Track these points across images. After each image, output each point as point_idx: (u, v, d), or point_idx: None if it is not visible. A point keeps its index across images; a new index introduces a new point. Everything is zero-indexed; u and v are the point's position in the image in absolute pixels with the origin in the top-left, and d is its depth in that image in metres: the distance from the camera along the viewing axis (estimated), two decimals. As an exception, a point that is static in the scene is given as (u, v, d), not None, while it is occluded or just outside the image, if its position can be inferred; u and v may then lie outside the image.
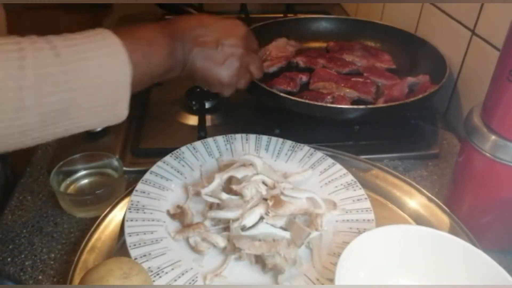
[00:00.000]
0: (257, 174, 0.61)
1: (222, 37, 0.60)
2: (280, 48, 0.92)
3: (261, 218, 0.57)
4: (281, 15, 1.21)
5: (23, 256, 0.57)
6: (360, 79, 0.84)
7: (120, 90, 0.48)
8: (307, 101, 0.71)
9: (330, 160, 0.68)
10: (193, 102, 0.84)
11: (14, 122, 0.42)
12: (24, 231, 0.61)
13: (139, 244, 0.54)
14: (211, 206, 0.60)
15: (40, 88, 0.42)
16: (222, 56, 0.60)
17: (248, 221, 0.56)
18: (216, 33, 0.60)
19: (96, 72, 0.45)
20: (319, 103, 0.73)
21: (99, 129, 0.75)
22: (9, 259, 0.57)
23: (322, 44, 0.98)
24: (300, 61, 0.90)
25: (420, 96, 0.71)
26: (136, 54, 0.49)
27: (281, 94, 0.72)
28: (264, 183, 0.61)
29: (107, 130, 0.76)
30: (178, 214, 0.59)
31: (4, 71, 0.40)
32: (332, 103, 0.76)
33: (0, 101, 0.40)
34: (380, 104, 0.76)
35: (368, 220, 0.59)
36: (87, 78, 0.45)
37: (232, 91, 0.65)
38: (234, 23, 0.64)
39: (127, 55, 0.47)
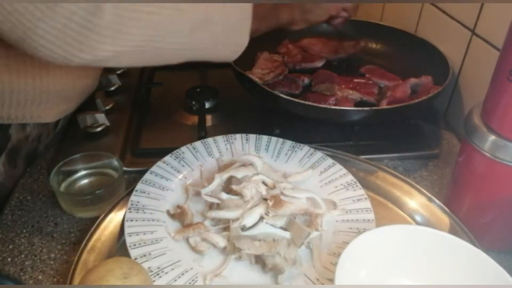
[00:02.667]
0: (257, 174, 0.61)
1: None
2: (269, 59, 0.91)
3: (261, 218, 0.57)
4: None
5: (23, 256, 0.57)
6: (362, 80, 0.84)
7: (244, 13, 0.58)
8: (311, 103, 0.71)
9: (330, 160, 0.68)
10: (193, 102, 0.84)
11: (173, 19, 0.51)
12: (24, 231, 0.61)
13: (139, 244, 0.54)
14: (211, 206, 0.60)
15: (188, 4, 0.51)
16: None
17: (248, 221, 0.56)
18: None
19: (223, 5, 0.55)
20: (323, 105, 0.73)
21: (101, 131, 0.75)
22: (9, 259, 0.57)
23: (322, 44, 0.97)
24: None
25: (425, 97, 0.71)
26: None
27: (284, 97, 0.72)
28: (264, 183, 0.61)
29: (107, 130, 0.76)
30: (178, 214, 0.59)
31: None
32: (335, 105, 0.76)
33: (161, 8, 0.49)
34: (384, 106, 0.76)
35: (368, 220, 0.59)
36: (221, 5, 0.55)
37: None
38: None
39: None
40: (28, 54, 0.48)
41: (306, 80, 0.85)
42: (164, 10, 0.49)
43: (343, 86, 0.82)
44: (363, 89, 0.81)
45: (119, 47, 0.49)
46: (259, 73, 0.85)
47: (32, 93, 0.63)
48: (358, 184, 0.64)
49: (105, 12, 0.45)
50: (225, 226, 0.57)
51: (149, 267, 0.51)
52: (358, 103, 0.79)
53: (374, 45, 0.97)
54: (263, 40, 0.75)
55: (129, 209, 0.58)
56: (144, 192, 0.61)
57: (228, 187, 0.61)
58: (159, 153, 0.68)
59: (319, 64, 0.92)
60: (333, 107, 0.73)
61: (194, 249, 0.55)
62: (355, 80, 0.84)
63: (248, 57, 0.89)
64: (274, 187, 0.61)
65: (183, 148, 0.69)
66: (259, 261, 0.54)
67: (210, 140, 0.71)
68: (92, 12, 0.45)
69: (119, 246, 0.57)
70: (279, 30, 0.77)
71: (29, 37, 0.45)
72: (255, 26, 0.61)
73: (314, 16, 0.77)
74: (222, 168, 0.65)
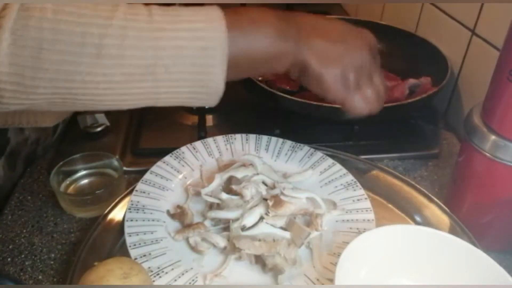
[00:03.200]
0: (257, 174, 0.61)
1: (347, 35, 0.52)
2: None
3: (261, 218, 0.57)
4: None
5: (23, 256, 0.57)
6: None
7: (212, 60, 0.44)
8: (306, 101, 0.71)
9: (330, 160, 0.68)
10: (193, 102, 0.84)
11: (96, 69, 0.41)
12: (24, 231, 0.61)
13: (139, 244, 0.54)
14: (211, 206, 0.60)
15: (123, 39, 0.41)
16: (343, 52, 0.51)
17: (248, 221, 0.56)
18: (339, 30, 0.52)
19: (187, 33, 0.43)
20: (319, 103, 0.73)
21: (100, 128, 0.75)
22: (9, 259, 0.57)
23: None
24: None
25: (419, 97, 0.71)
26: (235, 29, 0.44)
27: (281, 94, 0.72)
28: (264, 183, 0.61)
29: (107, 130, 0.76)
30: (178, 214, 0.59)
31: (93, 19, 0.40)
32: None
33: (82, 45, 0.40)
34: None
35: (368, 220, 0.59)
36: (177, 39, 0.42)
37: (359, 105, 0.54)
38: (361, 30, 0.55)
39: (224, 23, 0.43)
40: None
41: None
42: (81, 57, 0.40)
43: None
44: None
45: (26, 101, 0.41)
46: None
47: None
48: (358, 184, 0.64)
49: None
50: (225, 226, 0.57)
51: (149, 267, 0.51)
52: None
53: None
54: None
55: (129, 209, 0.58)
56: (144, 192, 0.61)
57: (228, 187, 0.61)
58: (159, 153, 0.68)
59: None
60: (328, 105, 0.73)
61: (194, 249, 0.55)
62: None
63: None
64: (274, 187, 0.61)
65: (183, 148, 0.69)
66: (259, 261, 0.54)
67: (210, 140, 0.71)
68: None
69: (119, 246, 0.57)
70: None
71: None
72: (236, 73, 0.47)
73: (307, 83, 0.53)
74: (222, 168, 0.65)
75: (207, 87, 0.45)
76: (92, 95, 0.43)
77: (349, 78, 0.52)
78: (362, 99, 0.54)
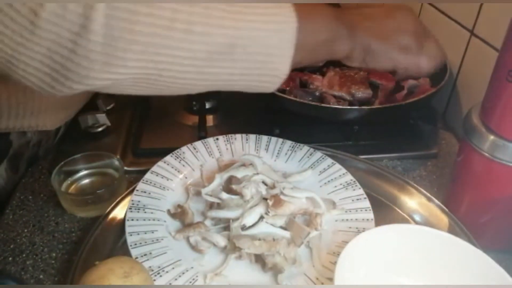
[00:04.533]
0: (257, 174, 0.62)
1: (391, 11, 0.59)
2: None
3: (261, 218, 0.57)
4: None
5: (24, 255, 0.58)
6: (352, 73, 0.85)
7: (284, 43, 0.47)
8: (306, 101, 0.71)
9: (329, 160, 0.68)
10: (194, 102, 0.84)
11: (184, 44, 0.42)
12: (25, 230, 0.61)
13: (140, 243, 0.54)
14: (211, 206, 0.60)
15: (208, 17, 0.43)
16: (395, 24, 0.58)
17: (248, 220, 0.56)
18: (382, 10, 0.59)
19: (262, 17, 0.46)
20: (317, 103, 0.73)
21: (102, 128, 0.76)
22: (10, 259, 0.57)
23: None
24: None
25: (416, 98, 0.71)
26: (301, 15, 0.48)
27: (281, 94, 0.72)
28: (264, 182, 0.62)
29: (108, 130, 0.77)
30: (179, 213, 0.59)
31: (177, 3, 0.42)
32: (321, 96, 0.77)
33: (172, 21, 0.41)
34: (377, 105, 0.76)
35: (368, 219, 0.59)
36: (254, 21, 0.45)
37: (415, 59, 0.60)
38: (400, 5, 0.61)
39: (294, 9, 0.47)
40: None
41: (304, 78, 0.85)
42: (171, 31, 0.42)
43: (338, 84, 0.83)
44: (350, 83, 0.82)
45: (114, 75, 0.42)
46: None
47: (30, 105, 0.62)
48: (358, 183, 0.64)
49: (93, 32, 0.39)
50: (225, 225, 0.58)
51: (149, 266, 0.51)
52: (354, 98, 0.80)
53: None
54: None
55: (130, 208, 0.58)
56: (145, 192, 0.61)
57: (228, 186, 0.61)
58: (160, 153, 0.68)
59: (320, 63, 0.92)
60: (326, 105, 0.74)
61: (194, 248, 0.56)
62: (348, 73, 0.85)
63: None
64: (274, 187, 0.61)
65: (184, 148, 0.69)
66: (259, 260, 0.54)
67: (210, 140, 0.71)
68: (78, 32, 0.38)
69: (120, 246, 0.57)
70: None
71: (14, 65, 0.40)
72: (300, 58, 0.49)
73: (372, 60, 0.57)
74: (222, 168, 0.65)
75: (275, 69, 0.48)
76: (176, 71, 0.44)
77: (409, 43, 0.58)
78: (428, 57, 0.60)
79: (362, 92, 0.82)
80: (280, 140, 0.72)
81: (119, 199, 0.62)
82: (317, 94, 0.81)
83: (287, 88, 0.81)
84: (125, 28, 0.40)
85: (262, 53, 0.46)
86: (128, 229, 0.55)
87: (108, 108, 0.81)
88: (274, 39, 0.46)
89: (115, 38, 0.40)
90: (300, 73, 0.85)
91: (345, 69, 0.88)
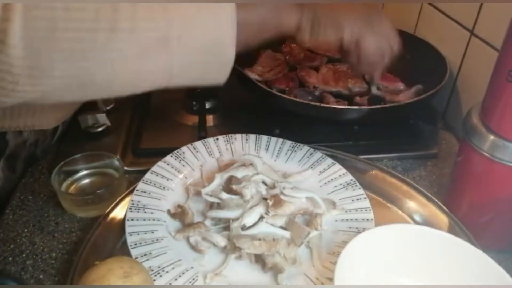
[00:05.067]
0: (257, 174, 0.62)
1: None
2: (271, 57, 0.92)
3: (261, 218, 0.57)
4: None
5: (24, 255, 0.58)
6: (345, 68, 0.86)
7: (223, 26, 0.44)
8: (304, 101, 0.71)
9: (329, 160, 0.68)
10: (194, 102, 0.84)
11: (111, 45, 0.40)
12: (26, 230, 0.61)
13: (140, 243, 0.54)
14: (211, 206, 0.60)
15: (135, 12, 0.40)
16: (346, 5, 0.58)
17: (248, 220, 0.56)
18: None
19: (196, 4, 0.43)
20: (317, 103, 0.73)
21: (103, 129, 0.76)
22: (10, 259, 0.57)
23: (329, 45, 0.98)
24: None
25: (422, 96, 0.72)
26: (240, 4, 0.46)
27: (280, 94, 0.72)
28: (264, 182, 0.62)
29: (108, 130, 0.77)
30: (179, 213, 0.59)
31: None
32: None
33: (95, 22, 0.39)
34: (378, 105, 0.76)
35: (367, 219, 0.59)
36: (187, 7, 0.43)
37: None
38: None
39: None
40: None
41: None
42: (96, 33, 0.39)
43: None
44: (344, 77, 0.83)
45: (42, 87, 0.40)
46: (259, 71, 0.85)
47: (26, 105, 0.62)
48: (357, 183, 0.64)
49: (11, 47, 0.36)
50: (225, 225, 0.58)
51: (149, 266, 0.51)
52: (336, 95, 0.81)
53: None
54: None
55: (130, 208, 0.58)
56: (145, 192, 0.61)
57: (228, 186, 0.61)
58: (160, 153, 0.68)
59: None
60: (327, 105, 0.74)
61: (194, 248, 0.56)
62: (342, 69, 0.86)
63: (251, 54, 0.90)
64: (274, 187, 0.61)
65: (184, 148, 0.69)
66: (259, 260, 0.54)
67: (210, 140, 0.71)
68: None
69: (120, 246, 0.57)
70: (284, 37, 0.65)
71: None
72: (245, 38, 0.47)
73: (321, 28, 0.57)
74: (222, 168, 0.65)
75: (219, 56, 0.45)
76: (109, 74, 0.42)
77: (359, 17, 0.58)
78: (375, 36, 0.60)
79: (358, 87, 0.82)
80: (280, 140, 0.72)
81: (119, 199, 0.62)
82: (316, 94, 0.81)
83: (287, 88, 0.81)
84: (45, 37, 0.37)
85: (200, 40, 0.44)
86: (128, 229, 0.55)
87: (108, 108, 0.81)
88: (211, 24, 0.44)
89: (35, 49, 0.37)
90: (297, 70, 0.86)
91: (337, 65, 0.89)
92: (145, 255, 0.53)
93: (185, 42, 0.43)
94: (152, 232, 0.56)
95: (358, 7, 0.59)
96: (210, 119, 0.82)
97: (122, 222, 0.58)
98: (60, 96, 0.43)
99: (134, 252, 0.53)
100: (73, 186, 0.66)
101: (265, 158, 0.67)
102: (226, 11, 0.44)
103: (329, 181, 0.65)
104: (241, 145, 0.71)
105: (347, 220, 0.59)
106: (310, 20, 0.56)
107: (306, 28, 0.56)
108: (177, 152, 0.68)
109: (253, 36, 0.50)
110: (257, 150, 0.70)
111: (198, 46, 0.44)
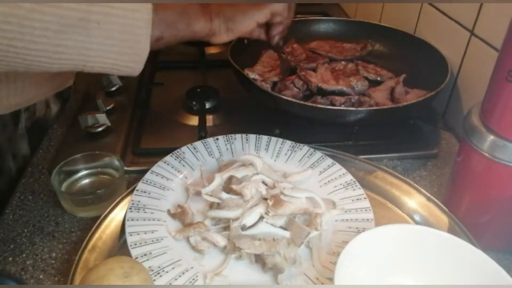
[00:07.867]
0: (257, 174, 0.62)
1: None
2: (272, 58, 0.92)
3: (261, 218, 0.57)
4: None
5: (24, 255, 0.58)
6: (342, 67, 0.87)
7: (140, 21, 0.48)
8: (307, 103, 0.71)
9: (329, 160, 0.68)
10: (194, 102, 0.84)
11: (34, 15, 0.42)
12: (25, 230, 0.61)
13: (140, 243, 0.54)
14: (211, 206, 0.60)
15: None
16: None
17: (248, 220, 0.56)
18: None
19: (118, 3, 0.46)
20: (318, 105, 0.73)
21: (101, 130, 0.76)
22: (10, 259, 0.57)
23: (330, 46, 0.98)
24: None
25: (416, 100, 0.72)
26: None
27: (279, 95, 0.72)
28: (264, 183, 0.62)
29: (108, 130, 0.77)
30: (179, 213, 0.59)
31: None
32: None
33: None
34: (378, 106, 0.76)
35: (367, 219, 0.59)
36: (106, 1, 0.46)
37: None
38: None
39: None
40: None
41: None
42: (21, 1, 0.42)
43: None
44: (343, 75, 0.84)
45: None
46: (259, 71, 0.85)
47: None
48: (357, 183, 0.64)
49: None
50: (225, 225, 0.58)
51: (149, 266, 0.51)
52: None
53: (372, 46, 0.98)
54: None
55: (130, 208, 0.58)
56: (145, 192, 0.61)
57: (228, 186, 0.61)
58: (160, 153, 0.68)
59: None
60: (329, 107, 0.74)
61: (194, 248, 0.56)
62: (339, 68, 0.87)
63: (252, 55, 0.90)
64: (274, 187, 0.61)
65: (184, 148, 0.69)
66: (259, 260, 0.54)
67: (210, 140, 0.71)
68: None
69: (120, 246, 0.57)
70: (201, 42, 0.67)
71: None
72: (159, 33, 0.52)
73: (236, 24, 0.62)
74: (222, 168, 0.66)
75: (134, 47, 0.48)
76: (28, 41, 0.44)
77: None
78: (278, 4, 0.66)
79: (361, 84, 0.82)
80: (280, 140, 0.72)
81: (119, 199, 0.62)
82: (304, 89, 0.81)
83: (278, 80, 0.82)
84: None
85: (118, 30, 0.47)
86: (128, 229, 0.55)
87: (108, 108, 0.81)
88: (129, 18, 0.47)
89: None
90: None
91: (333, 63, 0.89)
92: (145, 255, 0.53)
93: (104, 28, 0.46)
94: (152, 232, 0.56)
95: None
96: (210, 119, 0.82)
97: (122, 222, 0.58)
98: None
99: (134, 252, 0.53)
100: (73, 186, 0.66)
101: (265, 158, 0.67)
102: (144, 8, 0.48)
103: (329, 181, 0.65)
104: (241, 145, 0.71)
105: (347, 220, 0.59)
106: (223, 23, 0.61)
107: (221, 30, 0.61)
108: (177, 152, 0.68)
109: (166, 32, 0.54)
110: (257, 150, 0.70)
111: (116, 36, 0.47)
